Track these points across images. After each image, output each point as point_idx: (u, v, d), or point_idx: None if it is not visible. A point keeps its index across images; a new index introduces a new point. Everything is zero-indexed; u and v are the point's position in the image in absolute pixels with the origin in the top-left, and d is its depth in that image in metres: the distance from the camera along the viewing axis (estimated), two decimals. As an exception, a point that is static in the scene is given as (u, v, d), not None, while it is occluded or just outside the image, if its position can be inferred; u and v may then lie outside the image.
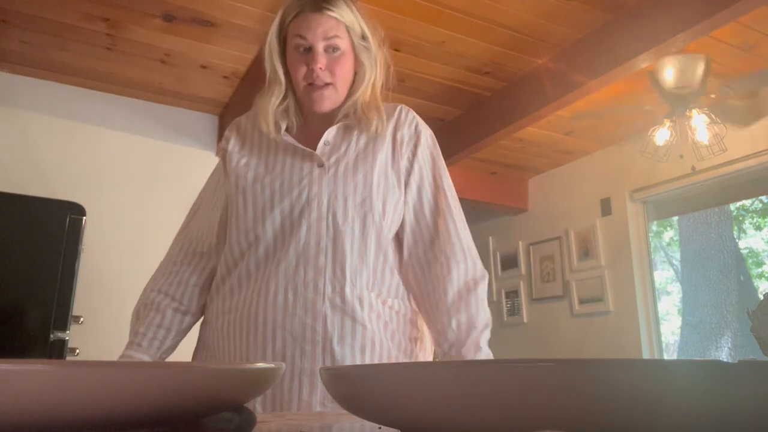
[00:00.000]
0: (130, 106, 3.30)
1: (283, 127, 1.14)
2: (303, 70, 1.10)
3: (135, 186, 3.23)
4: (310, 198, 1.08)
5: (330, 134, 1.14)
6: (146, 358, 1.11)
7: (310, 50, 1.09)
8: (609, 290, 3.77)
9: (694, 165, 3.19)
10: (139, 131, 3.31)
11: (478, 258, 1.16)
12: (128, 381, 0.29)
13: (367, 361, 1.04)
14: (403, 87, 2.98)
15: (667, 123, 3.05)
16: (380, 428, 0.48)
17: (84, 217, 2.46)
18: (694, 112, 2.94)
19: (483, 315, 1.10)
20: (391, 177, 1.13)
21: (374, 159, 1.12)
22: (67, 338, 2.32)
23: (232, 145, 1.18)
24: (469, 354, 1.06)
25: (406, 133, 1.17)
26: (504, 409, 0.30)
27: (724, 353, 4.18)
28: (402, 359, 1.12)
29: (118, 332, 2.98)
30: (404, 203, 1.15)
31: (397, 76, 1.21)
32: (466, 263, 1.12)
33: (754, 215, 4.49)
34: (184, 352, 1.21)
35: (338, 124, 1.14)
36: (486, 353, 1.08)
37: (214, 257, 1.19)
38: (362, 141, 1.14)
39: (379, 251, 1.10)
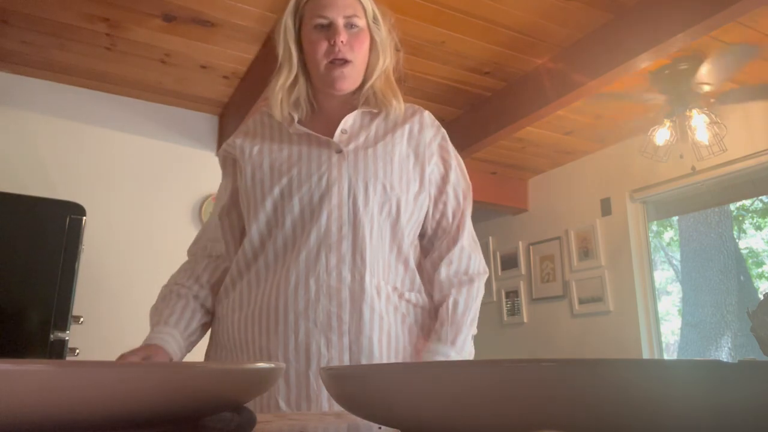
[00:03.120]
0: (130, 106, 3.30)
1: (296, 117, 1.12)
2: (324, 46, 1.08)
3: (135, 186, 3.23)
4: (330, 183, 1.05)
5: (347, 122, 1.12)
6: (176, 334, 1.07)
7: (329, 27, 1.08)
8: (609, 290, 3.77)
9: (694, 165, 3.19)
10: (139, 131, 3.31)
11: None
12: (128, 381, 0.29)
13: (385, 355, 1.02)
14: (403, 87, 2.98)
15: (667, 123, 3.05)
16: (380, 428, 0.48)
17: (84, 217, 2.46)
18: (694, 112, 2.94)
19: (472, 326, 1.12)
20: (414, 172, 1.11)
21: (394, 150, 1.10)
22: (67, 338, 2.32)
23: (241, 142, 1.15)
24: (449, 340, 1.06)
25: (428, 134, 1.16)
26: (504, 409, 0.30)
27: (724, 353, 4.18)
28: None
29: (118, 332, 3.00)
30: (431, 201, 1.14)
31: (397, 75, 1.21)
32: (478, 256, 1.15)
33: (754, 215, 4.49)
34: (201, 351, 1.19)
35: (355, 112, 1.13)
36: (468, 351, 1.09)
37: (227, 260, 1.17)
38: (381, 131, 1.13)
39: (394, 242, 1.08)
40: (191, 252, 1.23)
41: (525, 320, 4.31)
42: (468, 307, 1.12)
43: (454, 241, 1.14)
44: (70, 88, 3.16)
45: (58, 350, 2.28)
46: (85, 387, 0.28)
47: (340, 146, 1.08)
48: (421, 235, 1.17)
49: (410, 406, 0.34)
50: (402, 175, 1.09)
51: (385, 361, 1.02)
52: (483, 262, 1.16)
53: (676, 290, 4.76)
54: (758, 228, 4.49)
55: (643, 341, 3.56)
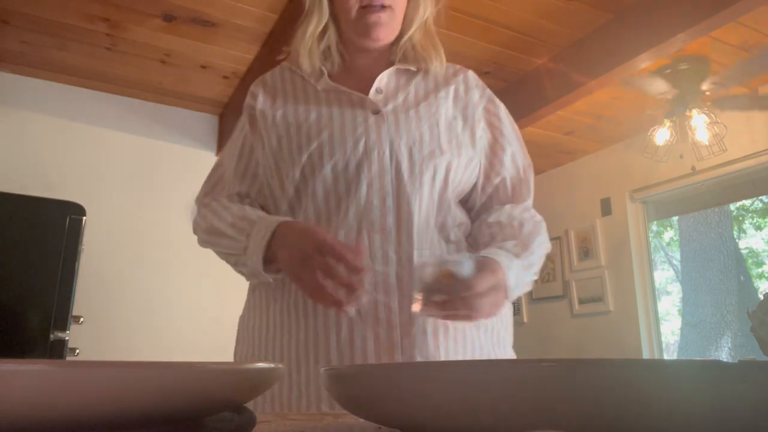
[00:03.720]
0: (130, 106, 3.31)
1: (326, 71, 0.98)
2: None
3: (135, 186, 3.24)
4: (368, 148, 0.90)
5: (382, 81, 0.98)
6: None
7: None
8: (609, 290, 3.77)
9: (694, 165, 3.20)
10: (139, 131, 3.31)
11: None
12: (128, 381, 0.29)
13: (443, 350, 0.87)
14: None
15: (667, 123, 3.05)
16: (380, 428, 0.48)
17: (84, 217, 2.46)
18: (694, 112, 2.95)
19: (540, 251, 0.96)
20: (463, 136, 0.97)
21: (438, 110, 0.97)
22: (67, 338, 2.32)
23: (262, 101, 1.00)
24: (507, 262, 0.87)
25: (474, 95, 1.02)
26: (504, 409, 0.30)
27: (724, 353, 4.18)
28: (496, 352, 0.98)
29: (118, 332, 3.00)
30: (482, 172, 1.00)
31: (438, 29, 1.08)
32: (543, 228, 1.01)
33: (754, 215, 4.49)
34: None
35: (391, 69, 0.99)
36: (521, 286, 0.91)
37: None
38: (421, 90, 0.99)
39: (440, 215, 0.94)
40: (205, 202, 1.03)
41: (525, 320, 4.32)
42: (538, 235, 0.95)
43: (518, 201, 1.00)
44: (70, 88, 3.16)
45: (58, 350, 2.28)
46: (85, 387, 0.28)
47: (377, 105, 0.94)
48: (476, 201, 1.02)
49: (410, 406, 0.34)
50: (451, 138, 0.95)
51: (442, 358, 0.87)
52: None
53: (676, 290, 4.76)
54: (758, 228, 4.49)
55: (643, 341, 3.56)
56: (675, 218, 4.47)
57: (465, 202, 1.03)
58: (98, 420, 0.29)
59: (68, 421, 0.28)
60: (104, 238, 3.04)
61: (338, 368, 0.40)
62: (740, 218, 4.57)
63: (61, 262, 2.35)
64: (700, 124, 2.95)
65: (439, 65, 1.00)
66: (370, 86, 0.97)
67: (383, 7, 0.93)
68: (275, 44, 2.64)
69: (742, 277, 4.39)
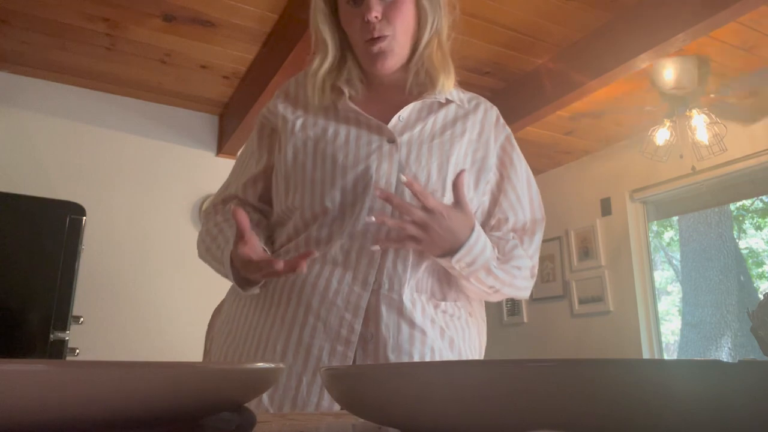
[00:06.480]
0: (129, 106, 3.31)
1: (347, 93, 0.99)
2: (357, 24, 0.95)
3: (135, 186, 3.24)
4: (378, 176, 0.92)
5: (407, 110, 0.99)
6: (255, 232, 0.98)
7: (361, 1, 0.95)
8: (609, 290, 3.77)
9: (694, 165, 3.19)
10: (139, 131, 3.31)
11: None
12: (128, 381, 0.29)
13: None
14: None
15: (667, 123, 3.05)
16: (380, 428, 0.48)
17: (84, 217, 2.46)
18: (694, 112, 2.94)
19: (523, 267, 0.98)
20: (469, 176, 0.98)
21: (451, 148, 0.97)
22: (67, 338, 2.32)
23: (283, 110, 1.02)
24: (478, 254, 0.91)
25: (491, 135, 1.03)
26: (504, 409, 0.30)
27: (724, 353, 4.18)
28: None
29: (118, 332, 3.00)
30: (484, 214, 1.02)
31: (451, 40, 1.07)
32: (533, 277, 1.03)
33: (754, 215, 4.49)
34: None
35: (418, 102, 1.00)
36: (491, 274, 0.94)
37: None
38: (439, 123, 1.00)
39: None
40: (213, 211, 1.09)
41: (525, 320, 4.31)
42: (522, 264, 0.97)
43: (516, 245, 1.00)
44: (70, 88, 3.16)
45: (58, 350, 2.28)
46: (85, 387, 0.28)
47: (393, 134, 0.95)
48: None
49: (410, 406, 0.34)
50: None
51: None
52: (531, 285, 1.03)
53: (676, 290, 4.76)
54: (758, 228, 4.49)
55: (643, 341, 3.56)
56: (675, 218, 4.47)
57: None
58: (98, 420, 0.29)
59: (68, 421, 0.28)
60: (104, 238, 3.04)
61: (338, 368, 0.40)
62: (740, 218, 4.57)
63: (61, 262, 2.35)
64: (700, 124, 2.95)
65: (445, 83, 1.00)
66: (392, 112, 0.98)
67: (382, 37, 0.95)
68: (275, 44, 2.64)
69: (742, 277, 4.39)
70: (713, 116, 2.93)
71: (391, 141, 0.95)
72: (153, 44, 2.76)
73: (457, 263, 0.90)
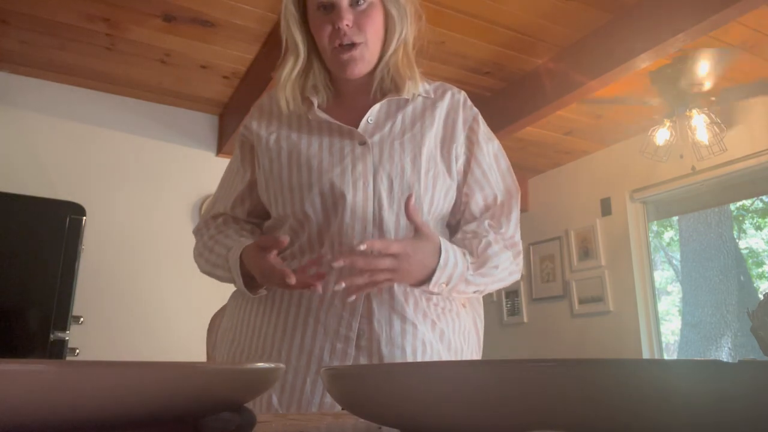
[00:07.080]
0: (129, 106, 3.31)
1: (315, 102, 1.02)
2: (327, 30, 0.97)
3: (135, 186, 3.24)
4: (354, 178, 0.96)
5: (373, 112, 1.02)
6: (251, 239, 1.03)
7: (332, 8, 0.96)
8: (609, 290, 3.77)
9: (694, 165, 3.19)
10: (139, 131, 3.31)
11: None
12: (128, 381, 0.29)
13: None
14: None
15: (667, 123, 3.05)
16: (380, 428, 0.48)
17: (84, 217, 2.46)
18: (694, 112, 2.94)
19: (499, 264, 0.99)
20: (441, 164, 1.01)
21: (422, 140, 1.00)
22: (67, 338, 2.32)
23: (257, 127, 1.06)
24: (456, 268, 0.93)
25: (459, 118, 1.05)
26: (504, 409, 0.30)
27: (724, 353, 4.18)
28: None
29: (118, 332, 3.00)
30: (459, 193, 1.04)
31: (419, 45, 1.10)
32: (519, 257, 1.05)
33: (754, 215, 4.49)
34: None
35: (383, 101, 1.03)
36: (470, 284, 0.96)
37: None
38: (408, 118, 1.03)
39: None
40: (203, 231, 1.13)
41: (525, 320, 4.31)
42: (499, 261, 0.98)
43: (496, 226, 1.02)
44: (70, 88, 3.16)
45: (58, 350, 2.28)
46: (85, 387, 0.28)
47: (364, 137, 0.99)
48: (448, 225, 1.08)
49: (410, 406, 0.34)
50: (430, 169, 0.99)
51: None
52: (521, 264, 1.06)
53: (676, 290, 4.76)
54: (758, 228, 4.49)
55: (643, 341, 3.56)
56: (675, 218, 4.47)
57: (447, 222, 1.08)
58: (98, 420, 0.29)
59: (68, 421, 0.28)
60: (104, 238, 3.04)
61: (338, 368, 0.40)
62: (740, 218, 4.57)
63: (61, 262, 2.35)
64: (700, 124, 2.95)
65: (412, 86, 1.03)
66: (360, 115, 1.01)
67: (354, 44, 0.97)
68: (275, 44, 2.64)
69: (742, 277, 4.39)
70: (713, 116, 2.93)
71: (363, 143, 0.98)
72: (153, 44, 2.76)
73: (434, 287, 0.92)
